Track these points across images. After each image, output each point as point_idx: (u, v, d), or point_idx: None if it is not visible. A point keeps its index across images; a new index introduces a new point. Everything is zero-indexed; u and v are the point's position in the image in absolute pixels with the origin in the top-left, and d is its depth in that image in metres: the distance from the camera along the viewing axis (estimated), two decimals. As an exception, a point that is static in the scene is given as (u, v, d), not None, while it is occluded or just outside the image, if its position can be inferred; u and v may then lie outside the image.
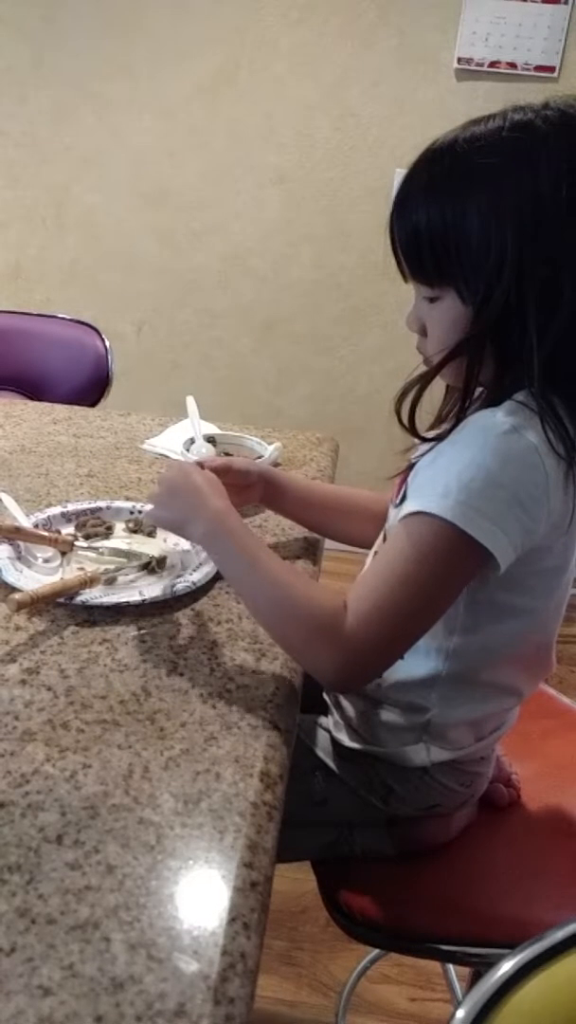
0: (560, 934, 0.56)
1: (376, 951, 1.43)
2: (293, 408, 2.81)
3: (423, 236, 0.75)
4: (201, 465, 0.93)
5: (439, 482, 0.72)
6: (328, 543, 1.12)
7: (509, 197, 0.71)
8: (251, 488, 0.99)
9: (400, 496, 0.81)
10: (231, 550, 0.81)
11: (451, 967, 1.42)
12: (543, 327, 0.71)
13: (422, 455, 0.79)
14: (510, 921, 0.85)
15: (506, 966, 0.55)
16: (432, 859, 0.92)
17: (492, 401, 0.75)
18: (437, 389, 0.81)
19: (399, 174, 0.79)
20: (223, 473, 0.93)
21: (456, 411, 0.77)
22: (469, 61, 2.37)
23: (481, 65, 2.37)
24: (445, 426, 0.78)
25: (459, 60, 2.38)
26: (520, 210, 0.70)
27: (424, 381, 0.78)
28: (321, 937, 1.50)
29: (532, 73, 2.36)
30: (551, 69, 2.35)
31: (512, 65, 2.36)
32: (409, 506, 0.74)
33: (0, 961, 0.50)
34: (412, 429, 0.79)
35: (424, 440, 0.79)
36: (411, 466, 0.81)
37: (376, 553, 0.88)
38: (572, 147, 0.71)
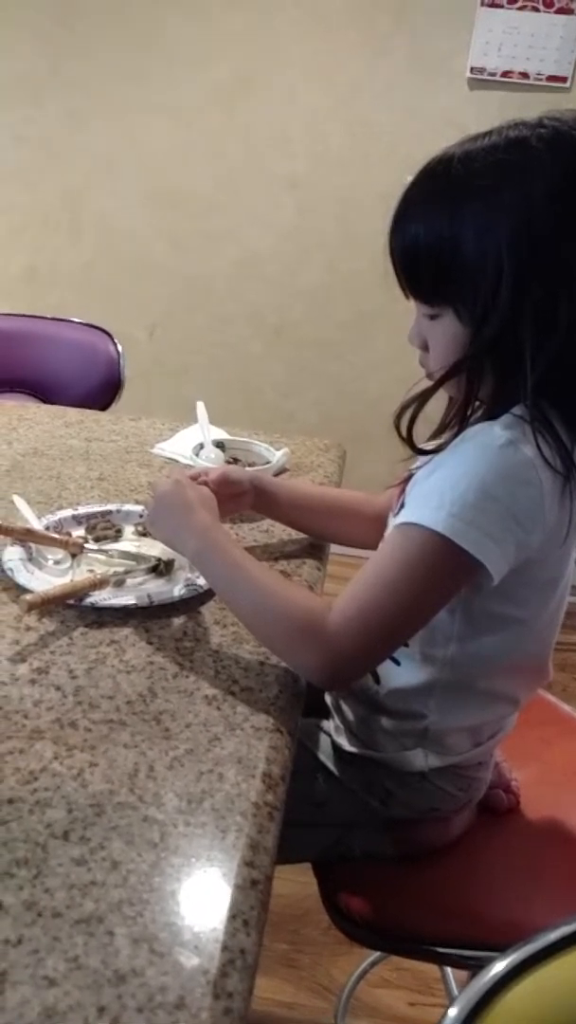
0: (552, 936, 0.57)
1: (376, 955, 1.43)
2: (303, 413, 2.83)
3: (420, 252, 0.76)
4: (197, 477, 0.97)
5: (434, 494, 0.73)
6: (334, 547, 1.13)
7: (503, 215, 0.71)
8: (243, 496, 1.02)
9: (399, 506, 0.83)
10: (217, 562, 0.84)
11: (450, 971, 1.43)
12: (538, 346, 0.72)
13: (421, 465, 0.80)
14: (506, 924, 0.86)
15: (498, 967, 0.56)
16: (431, 862, 0.93)
17: (491, 414, 0.76)
18: (438, 398, 0.82)
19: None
20: (221, 484, 0.97)
21: (456, 422, 0.79)
22: (482, 70, 2.39)
23: (494, 75, 2.38)
24: (445, 436, 0.79)
25: (472, 69, 2.39)
26: (514, 228, 0.71)
27: (422, 399, 0.80)
28: (322, 940, 1.51)
29: (544, 83, 2.37)
30: (563, 79, 2.36)
31: (524, 75, 2.37)
32: (404, 516, 0.75)
33: (7, 952, 0.52)
34: (411, 443, 0.81)
35: (423, 453, 0.80)
36: (410, 476, 0.83)
37: None
38: (565, 166, 0.71)
